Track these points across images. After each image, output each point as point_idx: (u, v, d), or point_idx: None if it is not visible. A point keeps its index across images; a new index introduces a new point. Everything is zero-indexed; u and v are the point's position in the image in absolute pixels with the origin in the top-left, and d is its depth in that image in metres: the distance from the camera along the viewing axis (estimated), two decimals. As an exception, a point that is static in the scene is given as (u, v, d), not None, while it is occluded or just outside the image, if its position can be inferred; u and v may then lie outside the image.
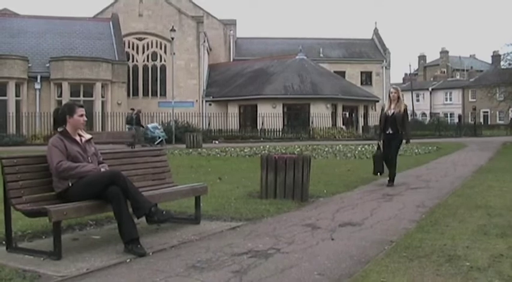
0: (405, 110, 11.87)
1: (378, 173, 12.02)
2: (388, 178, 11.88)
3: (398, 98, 11.77)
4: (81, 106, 6.42)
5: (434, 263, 5.18)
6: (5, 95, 37.57)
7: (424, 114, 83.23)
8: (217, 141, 36.64)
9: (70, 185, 5.93)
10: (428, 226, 7.02)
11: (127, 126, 35.09)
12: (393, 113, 11.69)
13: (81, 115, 6.28)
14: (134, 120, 33.73)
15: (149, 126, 34.56)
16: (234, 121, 44.82)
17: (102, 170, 6.15)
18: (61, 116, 6.31)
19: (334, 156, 21.28)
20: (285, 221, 7.62)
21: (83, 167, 5.99)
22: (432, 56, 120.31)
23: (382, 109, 12.12)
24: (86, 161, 6.14)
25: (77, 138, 6.26)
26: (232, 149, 25.85)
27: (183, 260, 5.44)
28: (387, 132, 11.82)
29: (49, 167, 5.99)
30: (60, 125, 6.26)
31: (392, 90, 11.99)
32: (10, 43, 40.80)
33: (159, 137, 33.49)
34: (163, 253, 5.76)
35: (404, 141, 12.05)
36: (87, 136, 6.43)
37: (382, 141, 12.04)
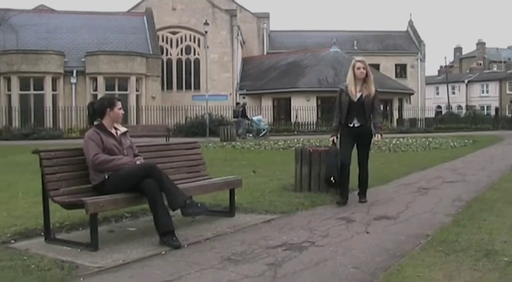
0: (376, 93, 8.50)
1: (332, 179, 8.34)
2: (358, 191, 8.92)
3: (367, 75, 8.37)
4: (119, 99, 6.51)
5: (471, 258, 5.11)
6: (42, 90, 38.12)
7: (459, 107, 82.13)
8: (251, 135, 36.65)
9: (106, 177, 6.00)
10: (464, 220, 6.93)
11: (233, 119, 36.15)
12: (361, 96, 8.31)
13: (120, 108, 6.38)
14: (240, 113, 34.97)
15: (254, 118, 35.67)
16: (267, 114, 44.74)
17: (138, 162, 6.21)
18: (100, 109, 6.37)
19: (368, 149, 21.08)
20: (320, 214, 7.60)
21: (119, 160, 6.05)
22: (468, 48, 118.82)
23: (341, 92, 8.48)
24: (121, 154, 6.20)
25: (113, 131, 6.32)
26: (266, 142, 25.84)
27: (218, 252, 5.47)
28: (351, 124, 8.39)
29: (86, 159, 6.07)
30: (96, 119, 6.33)
31: (358, 64, 8.34)
32: (47, 39, 41.34)
33: (264, 129, 34.70)
34: (198, 245, 5.80)
35: (375, 136, 8.55)
36: (123, 129, 6.49)
37: (338, 137, 8.58)
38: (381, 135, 8.58)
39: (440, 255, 5.20)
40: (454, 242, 5.70)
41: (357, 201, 8.61)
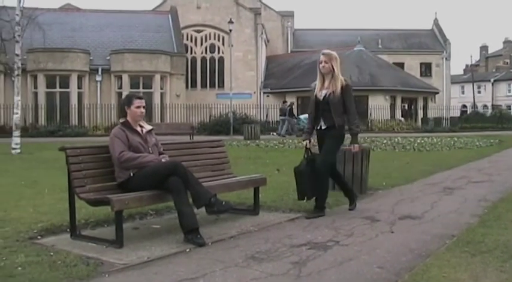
0: (345, 88, 7.34)
1: (305, 198, 7.53)
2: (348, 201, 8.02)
3: (333, 70, 7.36)
4: (141, 98, 6.49)
5: (497, 259, 5.05)
6: (68, 87, 38.44)
7: (485, 106, 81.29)
8: (275, 133, 36.64)
9: (131, 175, 6.04)
10: (491, 221, 6.86)
11: (280, 117, 36.50)
12: (325, 95, 7.34)
13: (138, 107, 6.34)
14: (288, 111, 35.34)
15: (301, 117, 35.77)
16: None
17: (163, 160, 6.23)
18: (121, 107, 6.48)
19: (392, 148, 21.00)
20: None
21: (144, 158, 6.08)
22: (495, 47, 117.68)
23: (312, 90, 7.62)
24: (146, 152, 6.23)
25: (138, 129, 6.35)
26: (290, 141, 25.82)
27: (242, 250, 5.47)
28: (318, 126, 7.52)
29: (111, 157, 6.11)
30: (123, 116, 6.37)
31: (321, 57, 7.46)
32: (72, 37, 41.71)
33: None
34: (222, 243, 5.81)
35: (352, 146, 7.62)
36: (148, 127, 6.52)
37: (310, 142, 7.71)
38: (358, 144, 7.64)
39: (466, 256, 5.15)
40: (480, 242, 5.64)
41: (379, 201, 8.57)
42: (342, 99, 7.27)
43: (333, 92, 7.25)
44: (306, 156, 7.60)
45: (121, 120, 6.36)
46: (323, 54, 7.46)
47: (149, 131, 6.50)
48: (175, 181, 5.82)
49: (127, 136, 6.14)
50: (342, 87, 7.27)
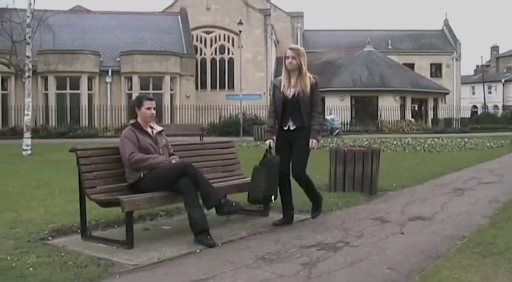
0: (314, 86, 6.83)
1: (273, 198, 6.78)
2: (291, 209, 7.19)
3: (300, 66, 6.79)
4: (151, 99, 6.50)
5: (508, 261, 5.03)
6: (78, 89, 38.56)
7: (496, 106, 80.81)
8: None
9: (142, 176, 6.05)
10: (502, 222, 6.83)
11: None
12: (294, 94, 6.76)
13: (149, 108, 6.35)
14: None
15: (328, 118, 36.25)
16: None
17: (173, 161, 6.25)
18: (131, 108, 6.51)
19: (403, 149, 20.97)
20: (354, 214, 7.58)
21: (154, 159, 6.10)
22: (505, 47, 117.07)
23: (274, 87, 7.08)
24: (157, 153, 6.25)
25: (149, 130, 6.37)
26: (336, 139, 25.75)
27: (253, 251, 5.48)
28: (286, 127, 6.87)
29: (122, 158, 6.13)
30: (133, 117, 6.39)
31: (288, 52, 6.85)
32: (83, 39, 41.87)
33: (337, 128, 35.76)
34: (232, 244, 5.82)
35: (311, 142, 6.84)
36: (159, 128, 6.54)
37: (274, 141, 6.97)
38: (318, 140, 6.95)
39: (476, 257, 5.13)
40: (491, 244, 5.62)
41: (389, 202, 8.56)
42: (310, 97, 6.77)
43: (303, 90, 6.71)
44: (265, 156, 6.97)
45: (131, 122, 6.38)
46: (290, 49, 6.87)
47: (159, 132, 6.52)
48: (186, 182, 5.84)
49: (137, 137, 6.15)
50: (311, 85, 6.78)
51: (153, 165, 6.05)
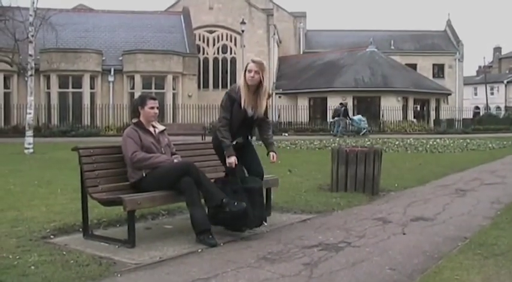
0: (268, 99, 6.56)
1: (264, 221, 6.45)
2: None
3: (262, 81, 6.31)
4: (154, 98, 6.50)
5: (511, 262, 5.02)
6: (81, 88, 38.56)
7: (498, 107, 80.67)
8: (286, 134, 36.62)
9: (144, 175, 6.06)
10: (504, 223, 6.83)
11: (335, 118, 36.98)
12: (254, 111, 6.38)
13: (152, 107, 6.36)
14: (342, 112, 35.91)
15: (355, 118, 36.77)
16: (303, 114, 44.69)
17: (175, 161, 6.25)
18: (134, 107, 6.48)
19: (405, 150, 20.95)
20: (356, 214, 7.57)
21: (156, 158, 6.10)
22: (508, 48, 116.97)
23: (233, 100, 6.34)
24: (159, 152, 6.25)
25: (151, 129, 6.38)
26: (302, 142, 25.80)
27: (254, 251, 5.48)
28: (234, 142, 6.38)
29: (124, 157, 6.13)
30: (135, 116, 6.39)
31: (251, 65, 6.25)
32: (85, 37, 41.89)
33: (364, 128, 35.85)
34: (234, 244, 5.82)
35: (270, 156, 6.67)
36: (161, 127, 6.56)
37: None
38: (274, 151, 6.70)
39: (478, 258, 5.13)
40: (493, 245, 5.62)
41: (391, 202, 8.56)
42: (265, 112, 6.54)
43: (262, 106, 6.38)
44: (236, 175, 6.32)
45: (134, 121, 6.38)
46: (254, 62, 6.29)
47: (162, 132, 6.53)
48: (188, 182, 5.84)
49: (140, 136, 6.16)
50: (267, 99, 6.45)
51: (155, 165, 6.06)
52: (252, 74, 6.19)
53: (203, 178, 5.95)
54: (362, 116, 38.17)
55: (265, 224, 6.11)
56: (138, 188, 6.04)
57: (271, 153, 6.62)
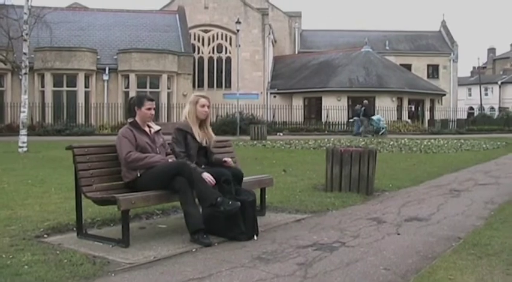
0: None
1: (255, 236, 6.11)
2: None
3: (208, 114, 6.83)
4: (152, 99, 6.48)
5: (504, 262, 5.04)
6: (75, 86, 38.47)
7: (492, 108, 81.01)
8: (281, 134, 36.63)
9: (138, 175, 6.05)
10: (497, 223, 6.85)
11: (354, 118, 37.70)
12: (206, 141, 6.78)
13: (149, 108, 6.35)
14: (362, 112, 36.34)
15: (374, 118, 36.78)
16: (298, 113, 44.75)
17: (170, 160, 6.23)
18: (131, 107, 6.45)
19: (399, 150, 20.98)
20: (350, 214, 7.58)
21: (151, 158, 6.09)
22: (502, 49, 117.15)
23: (185, 134, 6.65)
24: (154, 152, 6.24)
25: (146, 129, 6.36)
26: (297, 141, 25.81)
27: (249, 251, 5.48)
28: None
29: (118, 157, 6.12)
30: (131, 116, 6.38)
31: (203, 100, 6.72)
32: (80, 36, 41.79)
33: (383, 128, 36.12)
34: (228, 244, 5.81)
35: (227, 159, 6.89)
36: (156, 127, 6.54)
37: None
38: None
39: (472, 259, 5.14)
40: (486, 245, 5.64)
41: (386, 202, 8.57)
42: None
43: (211, 135, 6.87)
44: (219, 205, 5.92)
45: (129, 120, 6.37)
46: (205, 98, 6.75)
47: (157, 132, 6.51)
48: (181, 181, 5.83)
49: (135, 136, 6.15)
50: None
51: (149, 164, 6.04)
52: (205, 109, 6.71)
53: (197, 178, 5.93)
54: (381, 116, 38.66)
55: (256, 238, 6.05)
56: (133, 188, 6.03)
57: (227, 159, 6.85)
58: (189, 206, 5.84)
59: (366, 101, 38.49)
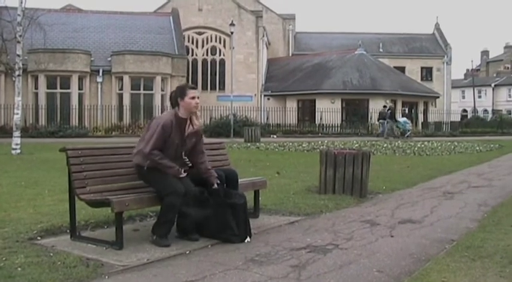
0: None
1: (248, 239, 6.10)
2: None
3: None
4: (194, 88, 6.23)
5: (497, 264, 5.06)
6: (69, 88, 38.40)
7: (485, 111, 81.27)
8: (275, 136, 36.63)
9: (145, 168, 5.95)
10: (490, 225, 6.87)
11: (380, 121, 38.04)
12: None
13: (193, 97, 6.07)
14: (388, 115, 36.68)
15: (400, 120, 37.63)
16: (292, 116, 44.75)
17: (182, 174, 6.03)
18: (173, 100, 6.19)
19: (393, 152, 21.04)
20: (344, 216, 7.59)
21: (168, 165, 5.93)
22: (496, 51, 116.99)
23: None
24: (177, 155, 6.10)
25: (187, 126, 6.14)
26: (291, 144, 25.83)
27: (242, 253, 5.48)
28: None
29: (141, 136, 6.09)
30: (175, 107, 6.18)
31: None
32: (74, 38, 41.71)
33: (409, 130, 36.83)
34: (222, 246, 5.81)
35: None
36: (196, 127, 6.22)
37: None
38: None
39: (465, 261, 5.15)
40: (479, 247, 5.65)
41: (379, 205, 8.58)
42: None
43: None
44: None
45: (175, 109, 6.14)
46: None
47: (195, 133, 6.23)
48: (172, 204, 5.79)
49: (171, 133, 5.96)
50: None
51: (163, 169, 5.92)
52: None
53: (188, 212, 5.94)
54: (406, 118, 39.17)
55: (249, 240, 6.04)
56: (136, 170, 6.05)
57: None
58: (165, 223, 5.91)
59: (391, 104, 38.78)
